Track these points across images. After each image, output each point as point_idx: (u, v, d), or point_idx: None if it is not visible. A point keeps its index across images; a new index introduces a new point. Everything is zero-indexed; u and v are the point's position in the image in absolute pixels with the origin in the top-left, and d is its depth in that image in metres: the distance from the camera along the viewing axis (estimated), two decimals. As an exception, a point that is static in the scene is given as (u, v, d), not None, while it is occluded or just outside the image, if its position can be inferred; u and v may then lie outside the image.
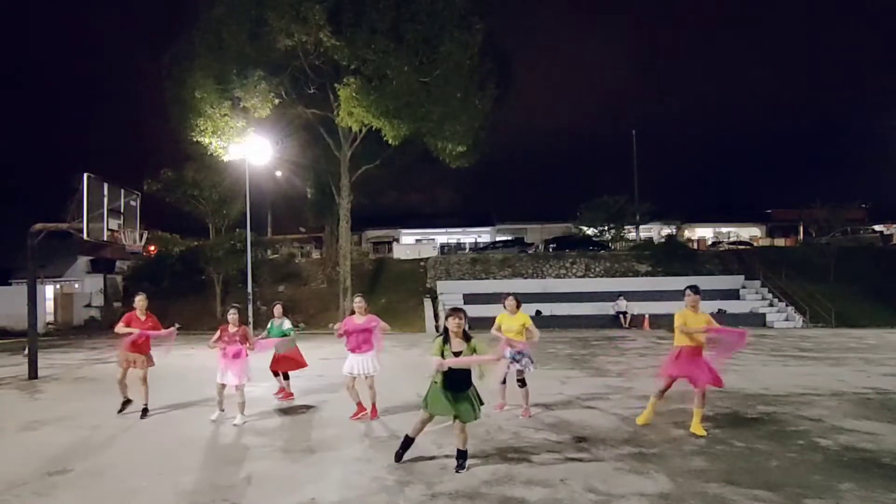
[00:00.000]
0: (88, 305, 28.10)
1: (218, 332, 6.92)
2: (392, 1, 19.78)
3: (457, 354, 4.72)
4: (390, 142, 21.24)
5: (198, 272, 27.41)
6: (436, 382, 4.82)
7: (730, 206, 46.44)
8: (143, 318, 7.26)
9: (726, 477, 4.60)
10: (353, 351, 6.75)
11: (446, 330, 4.87)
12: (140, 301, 7.29)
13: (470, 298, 24.66)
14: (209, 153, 22.35)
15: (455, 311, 4.85)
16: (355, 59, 19.89)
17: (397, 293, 26.71)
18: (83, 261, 29.74)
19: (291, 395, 8.22)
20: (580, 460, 5.12)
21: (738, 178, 77.07)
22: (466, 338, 4.80)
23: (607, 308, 24.07)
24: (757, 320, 23.27)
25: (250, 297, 20.60)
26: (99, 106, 77.71)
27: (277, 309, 8.14)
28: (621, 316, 23.45)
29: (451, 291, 25.87)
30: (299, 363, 8.12)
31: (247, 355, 6.87)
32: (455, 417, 4.83)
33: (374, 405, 6.91)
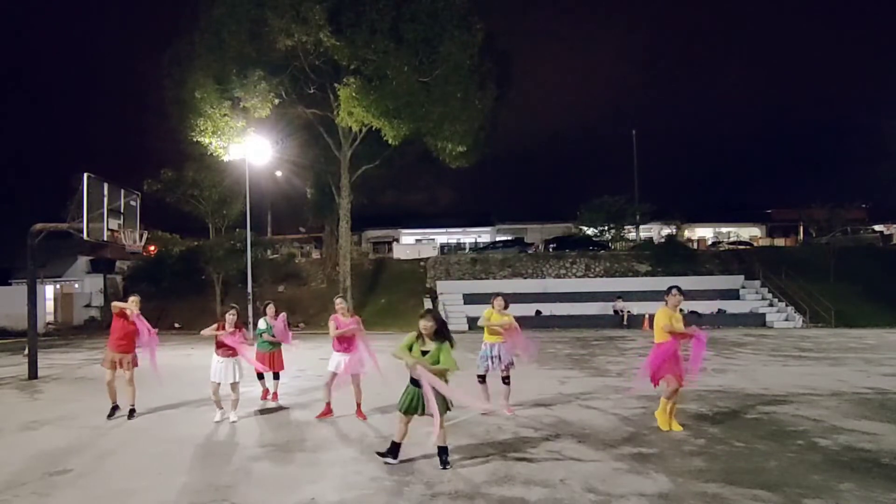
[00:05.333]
0: (88, 305, 28.13)
1: (215, 325, 6.92)
2: (392, 1, 19.80)
3: (424, 353, 4.86)
4: (390, 142, 21.26)
5: (198, 272, 27.41)
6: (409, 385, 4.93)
7: (730, 206, 46.36)
8: (132, 317, 7.15)
9: (726, 477, 4.60)
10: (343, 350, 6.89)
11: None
12: (133, 302, 7.19)
13: (470, 298, 24.65)
14: (209, 153, 22.38)
15: (427, 313, 5.00)
16: (355, 59, 19.91)
17: (397, 293, 26.72)
18: (83, 261, 29.75)
19: (276, 395, 8.16)
20: (580, 460, 5.12)
21: (738, 178, 77.09)
22: (440, 338, 4.89)
23: (608, 308, 24.09)
24: (757, 320, 23.28)
25: (250, 296, 20.60)
26: (99, 106, 77.76)
27: (270, 308, 8.14)
28: (621, 314, 23.49)
29: (451, 291, 25.87)
30: (282, 364, 8.13)
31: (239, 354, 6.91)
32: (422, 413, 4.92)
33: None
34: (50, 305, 27.00)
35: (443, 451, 4.96)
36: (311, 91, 21.95)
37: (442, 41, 20.01)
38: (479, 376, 7.13)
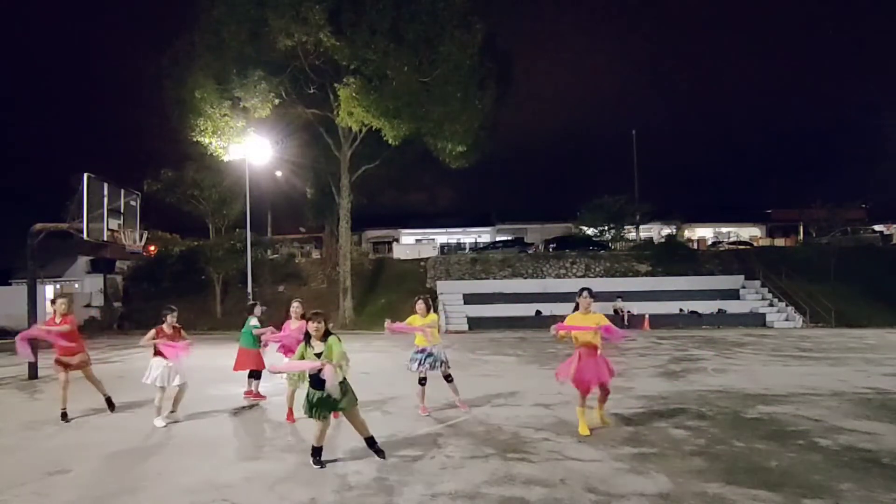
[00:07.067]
0: (88, 305, 28.11)
1: (153, 332, 6.78)
2: (392, 1, 19.80)
3: (318, 356, 4.84)
4: (390, 142, 21.26)
5: (198, 272, 27.42)
6: (303, 387, 4.89)
7: (730, 206, 46.35)
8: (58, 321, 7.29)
9: (726, 477, 4.60)
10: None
11: (308, 334, 4.94)
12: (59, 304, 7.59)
13: (470, 298, 24.64)
14: (209, 153, 22.38)
15: (315, 315, 4.94)
16: (355, 59, 19.91)
17: (397, 293, 26.70)
18: (83, 261, 29.75)
19: (263, 396, 8.03)
20: (580, 460, 5.12)
21: (738, 178, 77.10)
22: (325, 337, 4.92)
23: (608, 308, 24.06)
24: (757, 320, 23.27)
25: (250, 296, 20.61)
26: (99, 106, 77.77)
27: (257, 309, 8.13)
28: (621, 314, 23.49)
29: (451, 291, 25.84)
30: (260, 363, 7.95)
31: (179, 356, 6.77)
32: (341, 411, 5.00)
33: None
34: (50, 306, 26.99)
35: (373, 442, 5.17)
36: (311, 91, 21.94)
37: (442, 41, 20.01)
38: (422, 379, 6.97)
